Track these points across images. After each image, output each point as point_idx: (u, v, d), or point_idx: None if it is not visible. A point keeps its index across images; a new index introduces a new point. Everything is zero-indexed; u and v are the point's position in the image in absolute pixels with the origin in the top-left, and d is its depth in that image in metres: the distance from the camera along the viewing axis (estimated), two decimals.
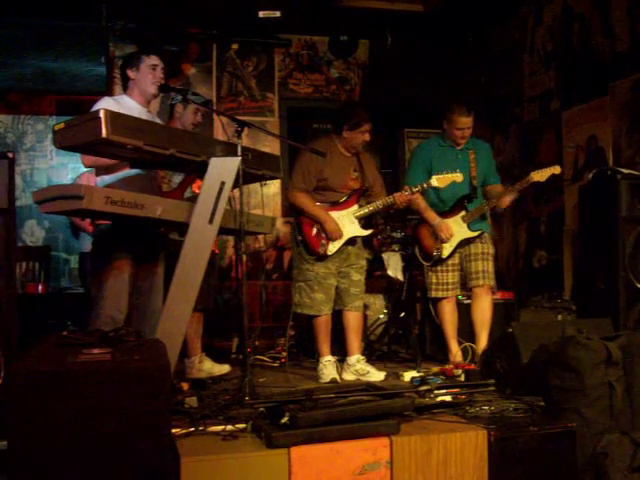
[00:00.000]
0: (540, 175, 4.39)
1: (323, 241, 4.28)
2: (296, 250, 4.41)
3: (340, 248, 4.32)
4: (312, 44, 7.45)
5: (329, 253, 4.29)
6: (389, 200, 4.36)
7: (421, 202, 4.59)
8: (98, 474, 2.25)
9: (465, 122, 4.51)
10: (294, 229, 4.41)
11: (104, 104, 3.52)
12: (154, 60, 3.79)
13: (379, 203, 4.37)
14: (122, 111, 3.33)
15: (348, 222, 4.34)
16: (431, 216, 4.56)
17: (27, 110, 6.72)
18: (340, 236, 4.29)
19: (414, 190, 4.37)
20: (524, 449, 2.87)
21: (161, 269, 3.82)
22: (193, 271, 3.26)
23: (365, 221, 4.43)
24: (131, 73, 3.75)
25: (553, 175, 4.43)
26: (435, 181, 4.35)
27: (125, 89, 3.80)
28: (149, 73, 3.76)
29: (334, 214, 4.31)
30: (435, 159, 4.60)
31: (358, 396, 3.03)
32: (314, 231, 4.30)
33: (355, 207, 4.38)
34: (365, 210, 4.37)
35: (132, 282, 3.61)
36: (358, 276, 4.45)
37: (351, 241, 4.37)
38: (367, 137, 4.37)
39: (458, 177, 4.35)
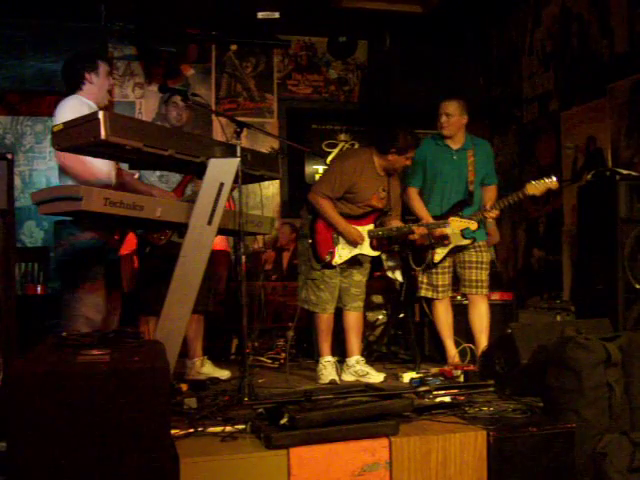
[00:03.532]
0: (536, 188, 4.28)
1: (331, 250, 4.29)
2: (305, 247, 4.40)
3: (345, 262, 4.34)
4: (311, 45, 7.46)
5: (334, 264, 4.31)
6: (405, 229, 4.39)
7: (418, 205, 4.58)
8: (97, 475, 2.25)
9: (444, 106, 4.46)
10: (306, 230, 4.39)
11: (74, 103, 3.57)
12: (107, 66, 3.79)
13: (394, 228, 4.39)
14: (87, 110, 3.39)
15: None
16: (427, 219, 4.54)
17: (26, 111, 6.72)
18: (362, 239, 4.31)
19: (432, 230, 4.40)
20: (523, 450, 2.87)
21: (118, 304, 3.89)
22: (192, 272, 3.26)
23: (376, 242, 4.42)
24: (90, 77, 3.72)
25: (550, 190, 4.34)
26: (452, 224, 4.31)
27: (75, 89, 3.73)
28: (106, 80, 3.77)
29: None
30: (429, 159, 4.58)
31: (357, 397, 3.03)
32: (324, 240, 4.31)
33: (371, 226, 4.38)
34: (379, 232, 4.38)
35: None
36: (360, 277, 4.46)
37: (356, 259, 4.38)
38: (409, 162, 4.38)
39: (473, 225, 4.33)
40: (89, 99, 3.71)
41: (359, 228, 4.34)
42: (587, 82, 5.47)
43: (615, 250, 4.36)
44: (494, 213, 4.44)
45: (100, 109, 3.75)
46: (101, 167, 3.63)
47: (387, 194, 4.41)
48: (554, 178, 4.31)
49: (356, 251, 4.34)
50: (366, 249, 4.37)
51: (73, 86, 3.74)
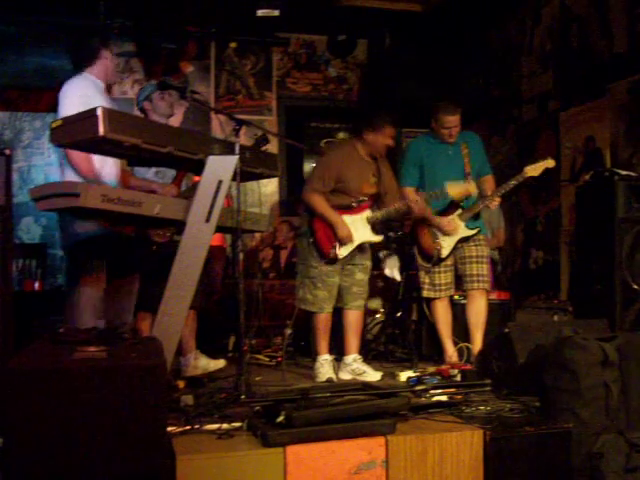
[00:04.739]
0: (534, 170, 4.40)
1: (334, 244, 4.28)
2: (303, 246, 4.41)
3: (350, 253, 4.33)
4: (310, 43, 7.46)
5: (339, 257, 4.30)
6: (402, 207, 4.37)
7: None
8: (94, 472, 2.25)
9: (451, 121, 4.47)
10: (305, 230, 4.39)
11: (80, 84, 3.62)
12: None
13: (392, 209, 4.37)
14: (97, 91, 3.52)
15: (360, 227, 4.34)
16: (429, 216, 4.55)
17: (25, 107, 6.71)
18: (351, 241, 4.29)
19: (429, 198, 4.38)
20: (520, 449, 2.87)
21: (135, 286, 3.88)
22: (190, 269, 3.26)
23: (377, 227, 4.42)
24: (106, 53, 3.76)
25: (547, 169, 4.44)
26: (450, 191, 4.34)
27: (86, 65, 3.74)
28: (114, 61, 3.83)
29: (347, 218, 4.30)
30: (426, 157, 4.59)
31: (354, 395, 3.03)
32: (326, 235, 4.29)
33: (368, 212, 4.37)
34: (377, 215, 4.37)
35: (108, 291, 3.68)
36: (361, 275, 4.43)
37: (361, 246, 4.38)
38: (390, 141, 4.37)
39: (472, 187, 4.34)
40: (98, 77, 3.74)
41: (357, 217, 4.32)
42: (586, 82, 5.47)
43: (613, 250, 4.36)
44: (496, 201, 4.47)
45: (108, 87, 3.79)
46: (104, 168, 3.64)
47: (377, 179, 4.42)
48: (549, 158, 4.44)
49: (358, 240, 4.33)
50: (368, 235, 4.36)
51: (85, 60, 3.75)
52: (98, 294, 3.64)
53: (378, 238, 4.44)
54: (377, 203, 4.44)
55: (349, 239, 4.28)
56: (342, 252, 4.30)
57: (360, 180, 4.35)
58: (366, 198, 4.37)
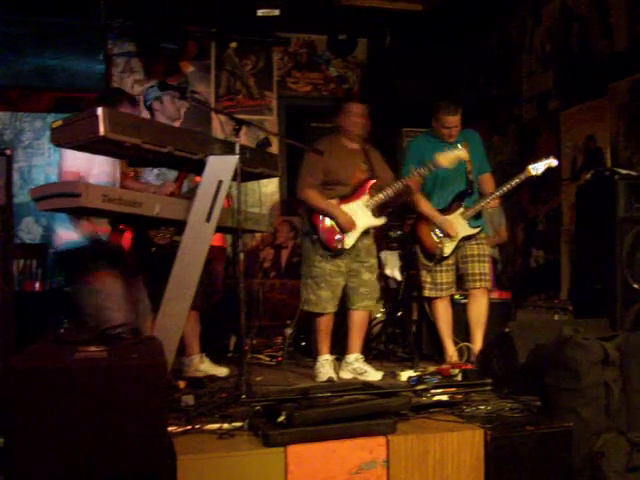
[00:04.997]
0: (537, 168, 4.43)
1: (338, 236, 4.26)
2: (306, 246, 4.39)
3: (356, 241, 4.31)
4: (311, 43, 7.45)
5: (346, 247, 4.27)
6: (399, 186, 4.34)
7: (420, 201, 4.59)
8: (94, 471, 2.25)
9: (452, 121, 4.47)
10: (308, 229, 4.37)
11: None
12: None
13: (389, 191, 4.34)
14: None
15: (361, 213, 4.32)
16: (433, 214, 4.56)
17: (25, 107, 6.71)
18: (354, 228, 4.28)
19: (422, 172, 4.34)
20: (521, 449, 2.87)
21: (138, 288, 3.87)
22: (190, 269, 3.26)
23: (378, 211, 4.40)
24: (127, 106, 3.77)
25: (549, 168, 4.46)
26: (441, 159, 4.30)
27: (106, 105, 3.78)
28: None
29: (346, 207, 4.30)
30: (427, 156, 4.57)
31: (355, 395, 3.03)
32: (328, 227, 4.27)
33: (366, 197, 4.35)
34: (376, 199, 4.35)
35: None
36: (368, 275, 4.40)
37: (366, 232, 4.37)
38: (361, 120, 4.37)
39: (462, 153, 4.33)
40: None
41: (356, 204, 4.31)
42: (587, 81, 5.46)
43: (613, 250, 4.35)
44: (496, 201, 4.51)
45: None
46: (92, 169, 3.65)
47: (369, 166, 4.42)
48: (552, 157, 4.49)
49: (362, 226, 4.31)
50: (370, 220, 4.35)
51: (105, 101, 3.70)
52: (113, 292, 3.62)
53: (380, 221, 4.42)
54: (374, 187, 4.41)
55: (351, 226, 4.27)
56: (348, 241, 4.27)
57: (351, 168, 4.35)
58: (360, 183, 4.35)
